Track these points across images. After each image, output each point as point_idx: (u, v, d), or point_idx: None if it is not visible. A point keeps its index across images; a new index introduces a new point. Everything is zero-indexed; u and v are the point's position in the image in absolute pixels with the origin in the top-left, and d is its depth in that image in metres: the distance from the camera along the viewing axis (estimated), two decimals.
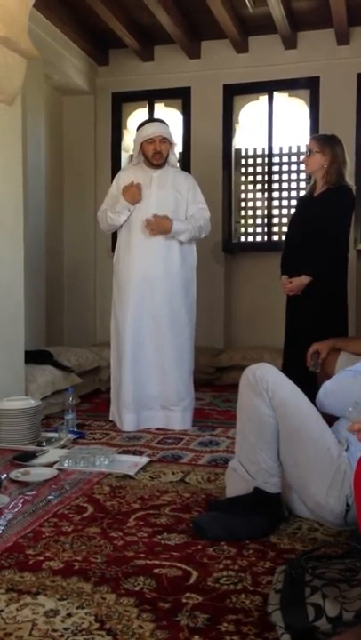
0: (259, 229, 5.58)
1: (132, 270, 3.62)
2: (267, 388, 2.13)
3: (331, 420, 2.27)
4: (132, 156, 5.66)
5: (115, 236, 5.52)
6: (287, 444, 2.13)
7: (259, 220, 5.57)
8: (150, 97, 5.63)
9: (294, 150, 5.40)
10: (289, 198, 5.46)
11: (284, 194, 5.48)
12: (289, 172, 5.46)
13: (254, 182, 5.56)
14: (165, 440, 3.37)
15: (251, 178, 5.57)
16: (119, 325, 3.65)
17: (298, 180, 5.42)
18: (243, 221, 5.62)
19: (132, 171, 3.75)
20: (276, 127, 5.42)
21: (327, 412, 2.25)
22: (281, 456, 2.16)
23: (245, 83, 5.36)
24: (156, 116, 5.39)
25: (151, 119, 4.21)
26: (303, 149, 3.58)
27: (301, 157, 3.76)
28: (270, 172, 5.46)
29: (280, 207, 5.49)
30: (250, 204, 5.59)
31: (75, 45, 5.21)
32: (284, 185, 5.48)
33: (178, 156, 3.90)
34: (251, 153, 5.55)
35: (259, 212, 5.57)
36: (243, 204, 5.60)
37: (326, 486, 2.05)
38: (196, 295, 3.76)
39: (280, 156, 5.46)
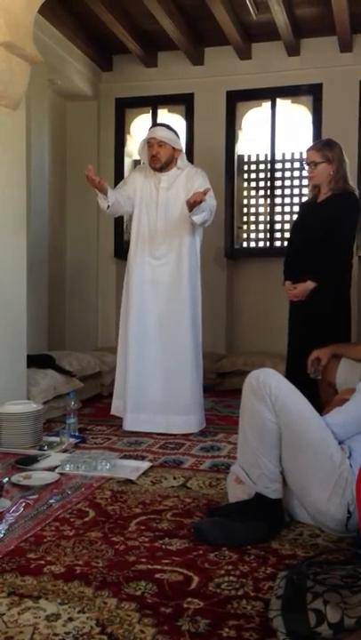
0: (261, 235, 5.59)
1: (134, 272, 3.64)
2: (270, 392, 2.12)
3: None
4: (134, 161, 5.73)
5: (117, 240, 5.58)
6: (289, 449, 2.13)
7: (261, 226, 5.58)
8: (154, 103, 5.65)
9: (297, 157, 5.40)
10: (291, 204, 5.46)
11: (287, 200, 5.49)
12: (291, 177, 5.46)
13: (257, 188, 5.58)
14: (167, 445, 3.37)
15: (253, 184, 5.58)
16: (124, 327, 3.68)
17: (300, 187, 5.43)
18: (245, 227, 5.62)
19: (142, 171, 3.80)
20: (278, 133, 5.43)
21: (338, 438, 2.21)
22: (283, 461, 2.15)
23: (248, 89, 5.37)
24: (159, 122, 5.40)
25: (155, 124, 4.23)
26: (306, 155, 3.54)
27: (304, 163, 3.73)
28: (273, 178, 5.47)
29: (283, 213, 5.50)
30: (252, 209, 5.60)
31: (79, 51, 5.23)
32: (287, 191, 5.48)
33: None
34: (253, 159, 5.57)
35: (261, 218, 5.58)
36: (245, 210, 5.61)
37: (328, 493, 2.05)
38: (201, 300, 3.77)
39: (283, 162, 5.47)
